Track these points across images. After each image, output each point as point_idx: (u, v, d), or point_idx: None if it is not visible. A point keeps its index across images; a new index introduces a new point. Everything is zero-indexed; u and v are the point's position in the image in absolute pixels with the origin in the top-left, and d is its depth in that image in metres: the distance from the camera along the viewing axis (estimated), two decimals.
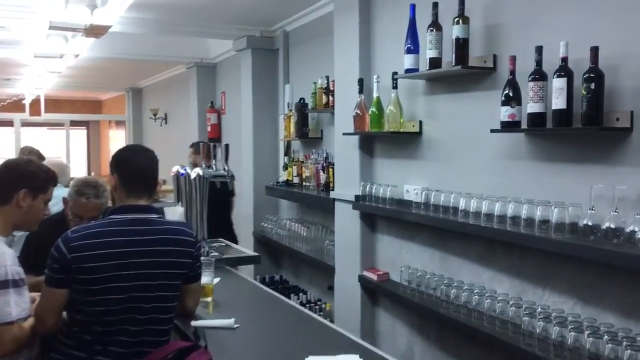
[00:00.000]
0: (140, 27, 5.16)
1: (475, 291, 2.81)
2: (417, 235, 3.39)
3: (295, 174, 4.89)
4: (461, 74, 2.89)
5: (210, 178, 3.27)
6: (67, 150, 11.45)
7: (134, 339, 2.07)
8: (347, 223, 3.89)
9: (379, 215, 3.69)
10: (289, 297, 4.86)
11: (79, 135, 14.58)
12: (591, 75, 2.17)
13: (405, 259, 3.48)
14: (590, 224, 2.22)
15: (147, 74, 9.61)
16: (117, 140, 12.94)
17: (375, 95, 3.42)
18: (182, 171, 3.39)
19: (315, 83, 4.53)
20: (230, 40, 5.83)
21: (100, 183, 2.85)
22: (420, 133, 3.30)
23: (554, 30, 2.45)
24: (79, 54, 6.22)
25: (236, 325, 2.26)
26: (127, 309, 2.05)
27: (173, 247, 2.13)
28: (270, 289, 5.06)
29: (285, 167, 5.12)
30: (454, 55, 2.79)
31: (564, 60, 2.28)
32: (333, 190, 4.10)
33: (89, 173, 13.39)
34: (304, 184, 4.74)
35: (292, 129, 4.87)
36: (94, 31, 4.53)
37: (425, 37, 2.95)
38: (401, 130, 3.31)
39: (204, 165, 3.47)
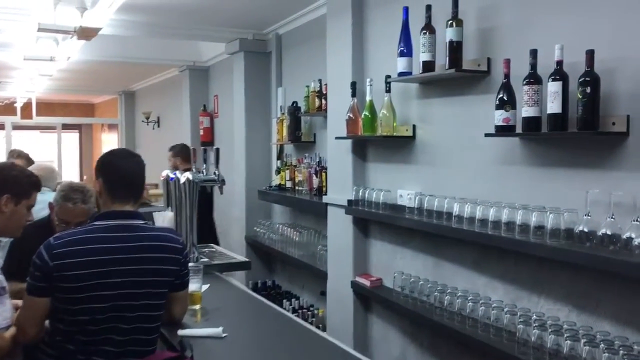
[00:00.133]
0: (131, 29, 5.10)
1: (469, 298, 2.77)
2: (411, 241, 3.35)
3: (288, 178, 4.84)
4: (455, 77, 2.85)
5: (201, 183, 3.21)
6: (59, 154, 11.36)
7: (119, 348, 2.02)
8: (339, 228, 3.84)
9: (372, 221, 3.64)
10: (282, 303, 4.82)
11: (72, 139, 14.50)
12: (587, 78, 2.13)
13: (398, 265, 3.43)
14: (586, 230, 2.18)
15: (140, 77, 9.55)
16: (109, 143, 12.86)
17: (368, 98, 3.38)
18: (171, 175, 3.33)
19: (308, 86, 4.49)
20: (223, 43, 5.78)
21: (87, 188, 2.79)
22: (413, 137, 3.26)
23: (549, 33, 2.42)
24: (70, 57, 6.15)
25: (224, 335, 2.20)
26: (111, 318, 2.00)
27: (159, 254, 2.07)
28: (262, 294, 5.10)
29: (278, 171, 5.07)
30: (447, 58, 2.75)
31: (559, 63, 2.24)
32: (326, 194, 4.05)
33: (81, 177, 13.32)
34: (296, 188, 4.69)
35: (285, 132, 4.82)
36: (85, 33, 4.47)
37: (419, 40, 2.91)
38: (394, 134, 3.27)
39: (194, 170, 3.41)
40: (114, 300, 1.99)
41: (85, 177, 12.60)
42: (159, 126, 9.31)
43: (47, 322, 2.05)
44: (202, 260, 3.27)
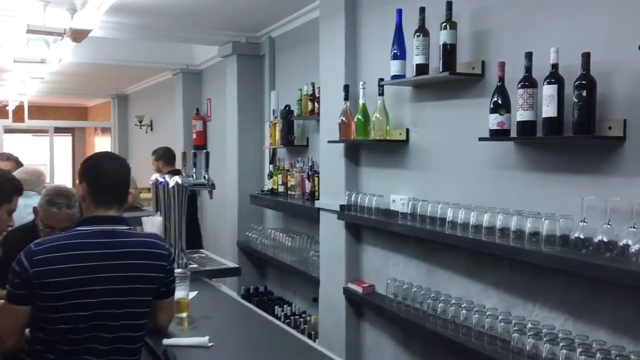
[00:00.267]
0: (123, 32, 5.05)
1: (463, 305, 2.71)
2: (404, 247, 3.29)
3: (280, 182, 4.79)
4: (449, 80, 2.80)
5: (190, 187, 3.15)
6: (51, 157, 11.27)
7: (101, 358, 1.95)
8: (332, 233, 3.79)
9: (364, 226, 3.59)
10: (274, 309, 4.76)
11: (65, 142, 14.41)
12: (582, 82, 2.09)
13: (391, 271, 3.38)
14: (581, 236, 2.14)
15: (133, 81, 9.50)
16: (103, 147, 12.77)
17: (361, 102, 3.33)
18: (160, 179, 3.26)
19: (300, 90, 4.44)
20: (216, 46, 5.73)
21: (73, 192, 2.72)
22: (407, 141, 3.21)
23: (544, 35, 2.37)
24: (61, 59, 6.08)
25: (210, 344, 2.13)
26: (94, 327, 1.93)
27: (144, 260, 2.01)
28: (254, 300, 5.04)
29: (271, 176, 5.02)
30: (441, 61, 2.71)
31: (555, 66, 2.20)
32: (318, 199, 4.00)
33: (74, 181, 13.21)
34: (289, 192, 4.64)
35: (278, 136, 4.78)
36: (74, 35, 4.41)
37: (412, 43, 2.86)
38: (387, 138, 3.22)
39: (184, 173, 3.35)
40: (96, 308, 1.92)
41: (77, 181, 12.49)
42: (151, 130, 9.25)
43: (27, 330, 1.98)
44: (191, 266, 3.21)
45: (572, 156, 2.30)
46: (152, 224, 3.25)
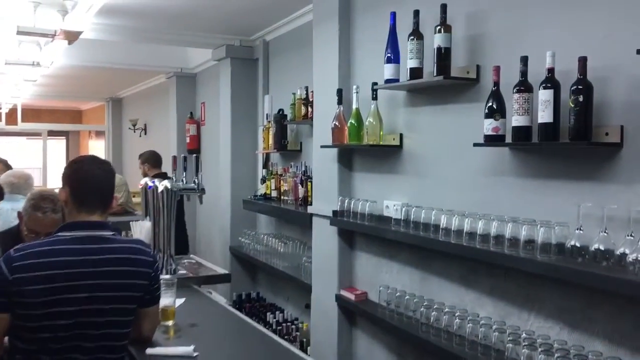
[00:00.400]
0: (115, 34, 4.99)
1: (456, 314, 2.66)
2: (397, 254, 3.24)
3: (273, 187, 4.73)
4: (443, 84, 2.76)
5: (179, 191, 3.09)
6: (44, 161, 11.19)
7: None
8: (324, 239, 3.73)
9: (357, 232, 3.53)
10: (266, 316, 4.69)
11: (59, 146, 14.32)
12: (579, 87, 2.04)
13: (384, 279, 3.32)
14: (578, 245, 2.08)
15: (127, 84, 9.44)
16: (97, 150, 12.69)
17: (354, 106, 3.28)
18: (150, 184, 3.20)
19: (294, 94, 4.39)
20: (209, 49, 5.69)
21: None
22: (400, 146, 3.16)
23: (540, 40, 2.33)
24: (53, 62, 6.02)
25: (195, 354, 2.07)
26: (75, 336, 1.87)
27: (127, 267, 1.95)
28: (246, 306, 4.97)
29: (264, 180, 4.96)
30: (435, 65, 2.66)
31: (551, 71, 2.15)
32: (311, 205, 3.94)
33: None
34: (282, 198, 4.58)
35: (271, 140, 4.73)
36: (65, 37, 4.35)
37: (406, 47, 2.82)
38: (381, 143, 3.17)
39: (173, 178, 3.30)
40: (77, 316, 1.86)
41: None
42: (145, 133, 9.19)
43: (6, 339, 1.92)
44: (179, 272, 3.14)
45: (568, 162, 2.25)
46: (141, 228, 3.19)
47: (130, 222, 3.23)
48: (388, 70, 2.95)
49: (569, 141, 2.09)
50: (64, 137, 14.61)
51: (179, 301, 2.55)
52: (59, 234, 1.93)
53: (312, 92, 3.99)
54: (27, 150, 13.53)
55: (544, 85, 2.15)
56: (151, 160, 5.43)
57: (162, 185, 3.08)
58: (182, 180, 3.20)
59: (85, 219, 1.95)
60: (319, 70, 3.82)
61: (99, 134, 12.38)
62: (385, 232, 3.09)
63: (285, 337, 4.36)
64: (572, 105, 2.05)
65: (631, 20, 2.01)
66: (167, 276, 3.00)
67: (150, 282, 2.02)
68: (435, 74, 2.66)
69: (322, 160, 3.77)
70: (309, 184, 4.12)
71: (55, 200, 2.62)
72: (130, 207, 6.43)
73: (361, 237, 3.55)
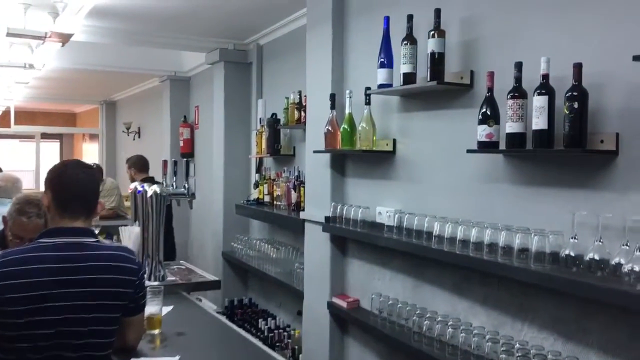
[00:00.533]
0: (106, 36, 4.94)
1: (449, 323, 2.61)
2: (390, 261, 3.19)
3: (266, 192, 4.69)
4: (437, 90, 2.72)
5: (169, 196, 3.04)
6: (37, 164, 11.12)
7: None
8: (316, 246, 3.68)
9: (350, 239, 3.49)
10: (257, 323, 4.64)
11: (52, 148, 14.24)
12: (574, 93, 2.01)
13: (376, 286, 3.28)
14: (572, 254, 2.05)
15: (121, 87, 9.38)
16: (90, 154, 12.62)
17: (347, 111, 3.23)
18: (139, 188, 3.15)
19: (287, 98, 4.35)
20: (203, 52, 5.64)
21: None
22: (393, 152, 3.12)
23: (534, 45, 2.30)
24: (45, 64, 5.97)
25: None
26: (56, 346, 1.82)
27: (111, 275, 1.90)
28: (238, 312, 4.92)
29: (257, 185, 4.91)
30: (429, 70, 2.63)
31: (545, 77, 2.12)
32: (304, 210, 3.90)
33: None
34: (275, 203, 4.54)
35: (264, 145, 4.68)
36: (56, 39, 4.31)
37: (400, 51, 2.78)
38: (374, 148, 3.13)
39: (165, 184, 3.25)
40: (59, 326, 1.81)
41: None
42: (139, 137, 9.13)
43: None
44: (169, 278, 3.09)
45: (562, 170, 2.21)
46: (130, 234, 3.14)
47: (119, 228, 3.17)
48: (381, 75, 2.92)
49: (563, 148, 2.05)
50: (57, 140, 14.53)
51: (167, 309, 2.49)
52: (40, 240, 1.87)
53: (305, 96, 3.95)
54: (20, 153, 13.45)
55: (538, 91, 2.11)
56: (137, 165, 5.39)
57: (151, 189, 3.03)
58: (172, 185, 3.15)
59: (68, 225, 1.90)
60: (312, 74, 3.78)
61: (93, 137, 12.31)
62: (378, 239, 3.04)
63: (277, 344, 4.31)
64: (567, 112, 2.01)
65: (627, 26, 1.98)
66: (155, 283, 2.96)
67: (134, 290, 1.97)
68: (428, 79, 2.63)
69: (314, 166, 3.73)
70: (301, 189, 4.08)
71: (41, 205, 2.56)
72: (122, 211, 6.37)
73: (354, 243, 3.51)
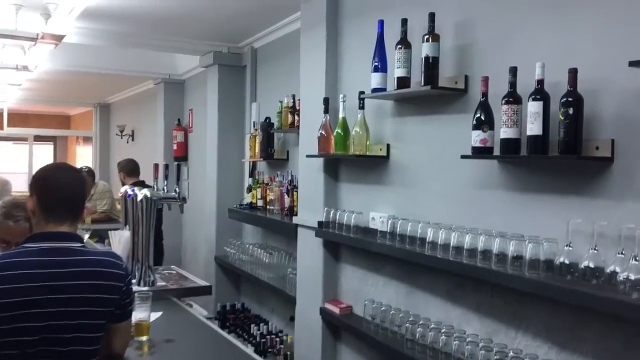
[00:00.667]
0: (99, 38, 4.91)
1: (442, 330, 2.58)
2: (383, 267, 3.16)
3: (259, 196, 4.65)
4: (431, 95, 2.70)
5: (159, 200, 3.00)
6: (30, 166, 11.04)
7: None
8: (309, 251, 3.65)
9: (343, 244, 3.45)
10: (250, 328, 4.59)
11: (46, 151, 14.15)
12: (569, 99, 1.99)
13: (370, 292, 3.24)
14: (567, 262, 2.02)
15: (115, 90, 9.34)
16: (84, 156, 12.55)
17: (340, 115, 3.20)
18: (129, 192, 3.11)
19: (281, 102, 4.32)
20: (197, 55, 5.61)
21: None
22: (387, 157, 3.09)
23: (529, 50, 2.27)
24: (37, 66, 5.92)
25: None
26: (40, 353, 1.77)
27: (97, 281, 1.85)
28: (230, 317, 4.87)
29: (250, 189, 4.87)
30: (423, 74, 2.60)
31: (540, 82, 2.09)
32: (297, 215, 3.86)
33: None
34: (268, 207, 4.50)
35: (258, 149, 4.65)
36: (48, 40, 4.27)
37: (394, 55, 2.75)
38: (367, 153, 3.10)
39: (156, 187, 3.21)
40: (43, 332, 1.76)
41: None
42: (133, 140, 9.08)
43: None
44: (158, 284, 3.05)
45: (557, 177, 2.19)
46: (120, 238, 3.09)
47: (109, 232, 3.13)
48: (375, 79, 2.89)
49: (558, 155, 2.03)
50: (51, 143, 14.44)
51: (156, 315, 2.45)
52: (25, 245, 1.83)
53: (299, 100, 3.92)
54: (13, 155, 13.36)
55: (533, 96, 2.09)
56: (126, 169, 5.37)
57: (141, 193, 2.99)
58: (163, 189, 3.11)
59: (53, 230, 1.86)
60: (305, 78, 3.76)
61: (87, 139, 12.24)
62: (371, 244, 3.01)
63: (270, 349, 4.27)
64: (562, 118, 1.99)
65: (623, 32, 1.95)
66: (145, 288, 2.92)
67: (121, 297, 1.92)
68: (422, 84, 2.60)
69: (307, 170, 3.70)
70: (295, 193, 4.04)
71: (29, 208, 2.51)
72: (114, 215, 6.32)
73: (347, 249, 3.47)
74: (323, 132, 3.33)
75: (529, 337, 2.31)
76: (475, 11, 2.55)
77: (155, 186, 3.31)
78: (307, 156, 3.53)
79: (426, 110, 2.83)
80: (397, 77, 2.73)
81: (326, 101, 3.37)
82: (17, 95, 9.44)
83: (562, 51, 2.15)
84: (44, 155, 13.53)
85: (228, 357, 2.27)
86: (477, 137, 2.32)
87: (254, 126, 4.81)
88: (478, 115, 2.33)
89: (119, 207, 6.62)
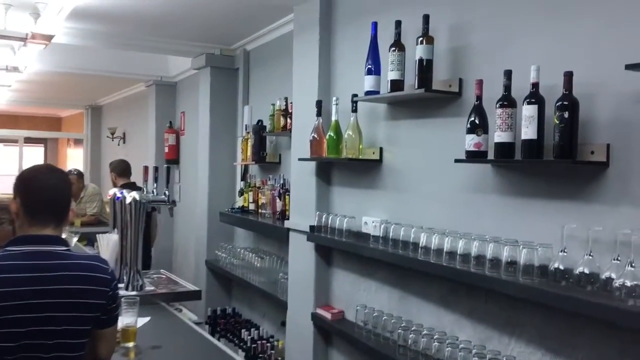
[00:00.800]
0: (89, 39, 4.84)
1: (435, 337, 2.54)
2: (376, 272, 3.13)
3: (251, 200, 4.61)
4: (424, 98, 2.67)
5: (148, 203, 2.95)
6: (20, 168, 10.91)
7: None
8: (301, 255, 3.61)
9: (335, 249, 3.41)
10: (240, 333, 4.54)
11: (36, 153, 14.04)
12: (564, 103, 1.96)
13: (362, 297, 3.21)
14: (561, 267, 1.99)
15: (107, 92, 9.26)
16: (75, 159, 12.45)
17: (333, 118, 3.17)
18: (118, 195, 3.06)
19: (273, 105, 4.28)
20: (189, 57, 5.56)
21: None
22: (380, 161, 3.06)
23: (524, 53, 2.25)
24: (27, 67, 5.86)
25: None
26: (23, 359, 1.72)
27: (82, 285, 1.80)
28: (221, 322, 4.81)
29: (241, 193, 4.83)
30: (416, 77, 2.57)
31: (535, 85, 2.07)
32: (289, 219, 3.82)
33: None
34: (259, 211, 4.46)
35: (250, 152, 4.60)
36: (37, 40, 4.21)
37: (387, 58, 2.73)
38: (360, 157, 3.07)
39: (145, 190, 3.16)
40: (25, 339, 1.71)
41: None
42: (124, 142, 9.01)
43: None
44: (147, 288, 2.99)
45: (552, 181, 2.16)
46: (108, 241, 3.04)
47: (97, 235, 3.08)
48: (368, 82, 2.86)
49: (553, 159, 2.00)
50: (42, 145, 14.33)
51: (143, 320, 2.40)
52: (8, 248, 1.78)
53: (292, 103, 3.89)
54: (3, 157, 13.24)
55: (528, 100, 2.06)
56: (118, 169, 5.34)
57: (130, 196, 2.94)
58: (153, 192, 3.06)
59: (36, 233, 1.81)
60: (298, 81, 3.72)
61: (78, 142, 12.14)
62: (363, 249, 2.98)
63: (260, 355, 4.21)
64: (557, 122, 1.96)
65: (619, 35, 1.93)
66: (133, 293, 2.87)
67: (107, 302, 1.87)
68: (416, 87, 2.57)
69: (300, 174, 3.66)
70: (287, 197, 4.00)
71: None
72: (104, 218, 6.26)
73: (339, 253, 3.43)
74: (315, 136, 3.29)
75: (522, 344, 2.28)
76: (470, 14, 2.53)
77: (144, 189, 3.26)
78: (300, 159, 3.49)
79: (420, 114, 2.80)
80: (391, 80, 2.70)
81: (319, 104, 3.34)
82: (7, 96, 9.35)
83: (558, 54, 2.12)
84: (35, 157, 13.42)
85: None
86: (471, 141, 2.29)
87: (246, 129, 4.77)
88: (472, 118, 2.30)
89: (109, 209, 6.57)
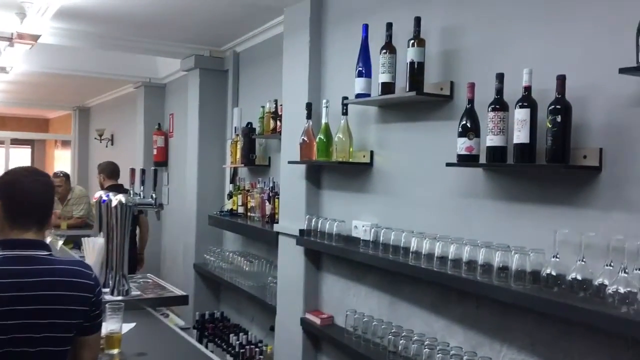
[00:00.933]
0: (76, 39, 4.77)
1: (425, 343, 2.51)
2: (366, 276, 3.09)
3: (240, 203, 4.56)
4: (415, 101, 2.64)
5: (134, 206, 2.90)
6: (6, 170, 10.78)
7: None
8: (290, 259, 3.57)
9: (325, 253, 3.38)
10: (229, 338, 4.48)
11: (23, 154, 13.88)
12: (557, 106, 1.94)
13: (351, 302, 3.17)
14: (553, 273, 1.97)
15: (95, 93, 9.17)
16: (63, 160, 12.31)
17: (323, 121, 3.14)
18: (104, 197, 3.00)
19: (263, 107, 4.24)
20: (178, 59, 5.51)
21: None
22: (371, 164, 3.03)
23: (516, 56, 2.23)
24: (12, 67, 5.78)
25: None
26: None
27: (64, 291, 1.75)
28: (209, 327, 4.76)
29: (230, 196, 4.78)
30: (408, 80, 2.54)
31: (527, 89, 2.05)
32: (278, 222, 3.78)
33: None
34: (249, 214, 4.41)
35: (239, 155, 4.56)
36: (24, 40, 4.15)
37: (378, 60, 2.69)
38: (350, 160, 3.04)
39: (131, 191, 3.10)
40: (6, 346, 1.66)
41: None
42: (112, 144, 8.92)
43: None
44: (133, 293, 2.94)
45: (544, 186, 2.14)
46: (94, 245, 2.98)
47: (82, 239, 3.02)
48: (359, 85, 2.83)
49: (545, 163, 1.98)
50: (29, 146, 14.17)
51: (128, 326, 2.35)
52: None
53: (282, 105, 3.85)
54: None
55: (520, 104, 2.04)
56: (106, 171, 5.28)
57: (116, 199, 2.88)
58: (139, 195, 3.00)
59: (17, 237, 1.76)
60: (288, 83, 3.69)
61: (65, 143, 12.01)
62: (353, 254, 2.94)
63: None
64: (550, 126, 1.94)
65: (612, 38, 1.91)
66: (118, 298, 2.81)
67: (90, 308, 1.82)
68: (407, 90, 2.55)
69: (289, 177, 3.62)
70: (276, 200, 3.96)
71: None
72: (91, 220, 6.18)
73: (329, 258, 3.40)
74: (305, 138, 3.25)
75: (514, 350, 2.25)
76: (462, 16, 2.51)
77: (131, 191, 3.21)
78: (289, 162, 3.45)
79: (411, 117, 2.78)
80: (382, 83, 2.67)
81: (309, 106, 3.30)
82: None
83: (550, 57, 2.10)
84: (22, 159, 13.27)
85: None
86: (462, 145, 2.26)
87: (235, 131, 4.73)
88: (464, 122, 2.27)
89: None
